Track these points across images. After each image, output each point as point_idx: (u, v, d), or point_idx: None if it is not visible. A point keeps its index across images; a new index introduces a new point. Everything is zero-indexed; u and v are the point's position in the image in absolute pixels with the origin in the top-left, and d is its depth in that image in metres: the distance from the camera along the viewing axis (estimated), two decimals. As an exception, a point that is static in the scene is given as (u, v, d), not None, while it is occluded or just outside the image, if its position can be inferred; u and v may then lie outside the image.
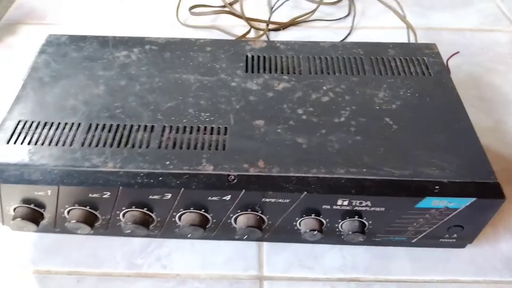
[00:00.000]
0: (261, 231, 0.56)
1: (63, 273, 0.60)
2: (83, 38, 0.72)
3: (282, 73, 0.66)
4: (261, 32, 0.97)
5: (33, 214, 0.56)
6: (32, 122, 0.58)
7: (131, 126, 0.58)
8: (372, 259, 0.61)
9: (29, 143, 0.56)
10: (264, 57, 0.69)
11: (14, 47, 0.95)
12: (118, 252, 0.62)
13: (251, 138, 0.57)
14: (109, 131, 0.57)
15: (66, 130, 0.57)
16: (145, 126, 0.58)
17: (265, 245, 0.63)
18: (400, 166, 0.54)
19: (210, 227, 0.58)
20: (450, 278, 0.60)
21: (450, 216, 0.54)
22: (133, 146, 0.56)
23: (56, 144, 0.56)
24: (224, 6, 1.03)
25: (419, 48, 0.71)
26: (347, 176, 0.53)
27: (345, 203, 0.53)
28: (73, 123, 0.58)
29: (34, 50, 0.83)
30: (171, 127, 0.58)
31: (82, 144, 0.56)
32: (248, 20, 0.99)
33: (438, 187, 0.52)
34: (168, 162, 0.54)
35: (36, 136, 0.57)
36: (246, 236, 0.56)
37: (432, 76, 0.66)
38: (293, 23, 1.01)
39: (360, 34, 0.99)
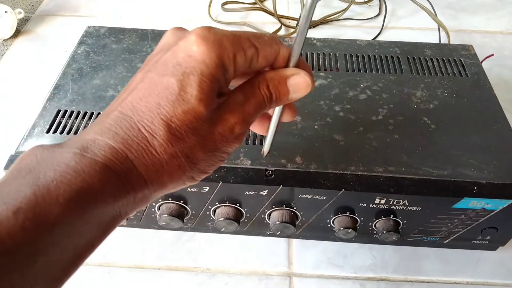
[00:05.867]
0: (295, 227, 0.56)
1: (94, 265, 0.60)
2: (122, 30, 0.73)
3: (319, 70, 0.66)
4: (292, 30, 0.97)
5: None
6: (72, 112, 0.59)
7: (170, 119, 0.58)
8: (401, 259, 0.61)
9: (68, 133, 0.56)
10: (301, 54, 0.68)
11: (48, 38, 0.96)
12: (149, 244, 0.62)
13: (288, 133, 0.57)
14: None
15: (106, 120, 0.58)
16: (184, 119, 0.58)
17: (295, 242, 0.63)
18: (438, 166, 0.53)
19: (243, 222, 0.58)
20: (480, 280, 0.60)
21: (486, 217, 0.54)
22: (171, 138, 0.56)
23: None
24: (255, 3, 1.04)
25: (455, 49, 0.70)
26: (386, 175, 0.52)
27: (383, 201, 0.52)
28: (112, 114, 0.58)
29: (68, 42, 0.84)
30: (208, 120, 0.58)
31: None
32: (279, 17, 0.99)
33: (476, 188, 0.51)
34: (206, 155, 0.54)
35: (75, 125, 0.57)
36: (279, 232, 0.56)
37: (469, 77, 0.65)
38: (323, 21, 1.01)
39: (390, 34, 0.99)
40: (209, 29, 0.34)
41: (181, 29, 0.37)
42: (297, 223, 0.57)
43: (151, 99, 0.32)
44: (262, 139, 0.56)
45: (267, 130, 0.43)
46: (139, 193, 0.32)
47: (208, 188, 0.53)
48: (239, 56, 0.34)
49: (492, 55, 0.82)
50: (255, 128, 0.43)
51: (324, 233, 0.60)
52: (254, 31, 0.96)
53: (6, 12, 0.93)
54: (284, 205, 0.55)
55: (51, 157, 0.30)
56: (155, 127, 0.32)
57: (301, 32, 0.35)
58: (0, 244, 0.25)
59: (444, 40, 0.93)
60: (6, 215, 0.26)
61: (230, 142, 0.35)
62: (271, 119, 0.42)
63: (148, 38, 0.71)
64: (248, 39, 0.34)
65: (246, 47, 0.34)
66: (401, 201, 0.52)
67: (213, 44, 0.33)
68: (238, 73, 0.35)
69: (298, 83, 0.37)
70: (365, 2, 1.06)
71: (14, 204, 0.26)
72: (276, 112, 0.41)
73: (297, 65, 0.37)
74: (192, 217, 0.58)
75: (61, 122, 0.58)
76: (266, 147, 0.46)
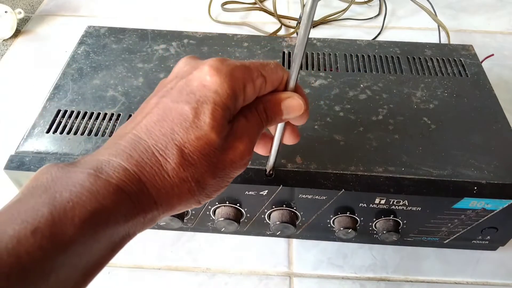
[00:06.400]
0: (295, 228, 0.56)
1: (95, 264, 0.60)
2: (122, 30, 0.72)
3: (319, 70, 0.66)
4: (292, 30, 0.97)
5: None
6: (72, 112, 0.59)
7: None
8: (401, 259, 0.61)
9: (68, 133, 0.56)
10: (301, 54, 0.69)
11: (48, 38, 0.96)
12: (149, 244, 0.62)
13: (288, 133, 0.57)
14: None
15: (106, 120, 0.58)
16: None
17: (295, 242, 0.63)
18: (438, 166, 0.53)
19: (243, 222, 0.58)
20: (480, 280, 0.60)
21: (486, 217, 0.54)
22: (171, 138, 0.56)
23: (96, 134, 0.56)
24: (255, 3, 1.04)
25: (455, 49, 0.70)
26: (386, 175, 0.52)
27: (383, 201, 0.52)
28: (112, 114, 0.59)
29: (68, 42, 0.83)
30: (209, 121, 0.58)
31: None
32: (279, 17, 0.99)
33: (476, 188, 0.51)
34: (206, 155, 0.54)
35: (75, 125, 0.57)
36: (279, 232, 0.56)
37: (469, 77, 0.65)
38: (323, 21, 1.01)
39: (390, 34, 0.99)
40: (222, 60, 0.36)
41: (194, 58, 0.39)
42: (297, 223, 0.57)
43: (166, 124, 0.34)
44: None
45: (269, 151, 0.47)
46: (148, 214, 0.33)
47: (208, 188, 0.53)
48: (248, 87, 0.36)
49: (492, 55, 0.82)
50: (259, 149, 0.47)
51: (324, 233, 0.60)
52: (254, 31, 0.97)
53: (6, 12, 0.93)
54: (284, 205, 0.55)
55: (66, 177, 0.31)
56: (168, 152, 0.33)
57: (297, 60, 0.38)
58: (18, 262, 0.26)
59: (444, 40, 0.93)
60: (24, 234, 0.27)
61: (238, 168, 0.38)
62: (273, 140, 0.45)
63: (148, 38, 0.71)
64: (257, 69, 0.37)
65: (255, 77, 0.37)
66: (401, 201, 0.52)
67: (225, 75, 0.35)
68: (246, 102, 0.38)
69: (291, 105, 0.39)
70: (365, 2, 1.06)
71: (33, 223, 0.28)
72: (277, 132, 0.44)
73: (295, 89, 0.40)
74: (192, 217, 0.58)
75: (61, 122, 0.58)
76: (270, 165, 0.51)
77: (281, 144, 0.46)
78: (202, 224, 0.59)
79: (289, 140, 0.45)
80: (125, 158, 0.33)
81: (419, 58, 0.68)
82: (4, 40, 0.94)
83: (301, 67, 0.65)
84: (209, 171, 0.35)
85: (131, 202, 0.32)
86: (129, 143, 0.34)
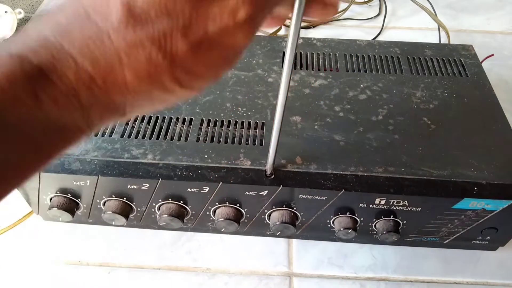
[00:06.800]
0: (295, 228, 0.56)
1: (94, 265, 0.60)
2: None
3: (319, 70, 0.66)
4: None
5: (69, 204, 0.56)
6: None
7: (170, 119, 0.58)
8: (402, 259, 0.61)
9: (68, 133, 0.56)
10: (301, 54, 0.69)
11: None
12: (149, 244, 0.62)
13: (288, 134, 0.56)
14: (148, 123, 0.58)
15: (106, 120, 0.58)
16: (184, 119, 0.58)
17: (294, 242, 0.63)
18: (438, 166, 0.53)
19: (243, 222, 0.58)
20: (480, 280, 0.60)
21: (486, 218, 0.54)
22: (171, 138, 0.56)
23: (96, 135, 0.56)
24: (255, 3, 1.03)
25: (455, 49, 0.70)
26: (386, 175, 0.52)
27: (383, 202, 0.52)
28: (112, 114, 0.58)
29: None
30: (209, 120, 0.58)
31: (122, 135, 0.56)
32: (279, 17, 0.98)
33: (476, 188, 0.51)
34: (206, 156, 0.54)
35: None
36: (279, 232, 0.56)
37: (469, 77, 0.65)
38: (323, 21, 1.01)
39: (390, 34, 0.99)
40: None
41: None
42: (297, 223, 0.57)
43: None
44: (262, 139, 0.56)
45: (276, 26, 0.36)
46: (82, 95, 0.25)
47: (208, 188, 0.53)
48: None
49: (492, 55, 0.82)
50: (267, 25, 0.34)
51: (324, 233, 0.60)
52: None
53: (6, 12, 0.93)
54: (284, 206, 0.55)
55: None
56: (109, 9, 0.24)
57: None
58: None
59: (444, 40, 0.93)
60: None
61: (230, 30, 0.26)
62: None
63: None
64: None
65: None
66: (401, 201, 0.52)
67: None
68: None
69: None
70: (365, 2, 1.06)
71: None
72: (274, 131, 0.44)
73: None
74: (192, 217, 0.58)
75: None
76: (269, 164, 0.51)
77: (279, 142, 0.45)
78: (202, 224, 0.59)
79: (329, 13, 0.33)
80: (47, 27, 0.25)
81: (419, 58, 0.68)
82: (4, 40, 0.94)
83: (301, 67, 0.66)
84: (176, 31, 0.25)
85: (43, 77, 0.24)
86: (58, 8, 0.26)
